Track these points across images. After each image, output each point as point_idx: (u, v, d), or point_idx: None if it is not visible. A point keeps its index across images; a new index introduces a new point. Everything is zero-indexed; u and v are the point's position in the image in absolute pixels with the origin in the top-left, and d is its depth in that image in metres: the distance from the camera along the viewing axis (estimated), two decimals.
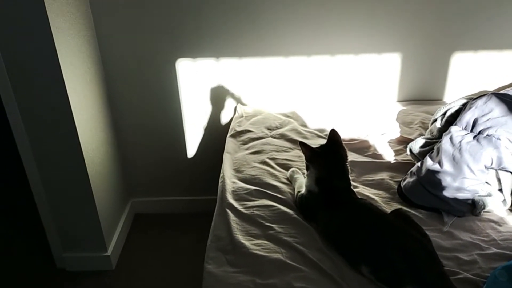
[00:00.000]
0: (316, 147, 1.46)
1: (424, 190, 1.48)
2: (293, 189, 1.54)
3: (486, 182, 1.49)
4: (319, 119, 2.05)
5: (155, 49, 2.12)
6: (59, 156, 1.89)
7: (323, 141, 1.84)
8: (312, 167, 1.42)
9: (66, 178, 1.95)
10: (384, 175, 1.66)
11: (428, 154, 1.58)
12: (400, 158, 1.76)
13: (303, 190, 1.47)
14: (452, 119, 1.67)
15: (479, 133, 1.51)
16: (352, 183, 1.46)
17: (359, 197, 1.43)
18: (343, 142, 1.50)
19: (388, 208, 1.45)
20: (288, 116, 2.10)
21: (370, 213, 1.31)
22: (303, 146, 1.43)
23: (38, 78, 1.72)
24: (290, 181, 1.61)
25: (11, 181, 2.84)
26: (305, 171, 1.52)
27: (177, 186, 2.53)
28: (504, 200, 1.49)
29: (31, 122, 1.81)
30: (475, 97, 1.66)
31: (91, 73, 2.02)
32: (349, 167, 1.44)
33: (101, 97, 2.14)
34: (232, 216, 1.42)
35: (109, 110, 2.24)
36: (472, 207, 1.46)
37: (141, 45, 2.12)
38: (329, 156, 1.43)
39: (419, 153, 1.65)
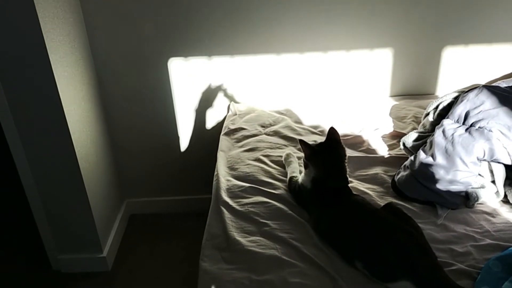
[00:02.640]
0: (315, 145, 1.45)
1: (417, 184, 1.49)
2: (287, 173, 1.57)
3: (479, 174, 1.50)
4: (312, 116, 2.06)
5: (147, 49, 2.12)
6: (52, 158, 1.88)
7: (317, 137, 1.86)
8: (311, 165, 1.42)
9: (60, 180, 1.94)
10: (378, 170, 1.66)
11: (421, 148, 1.59)
12: (394, 152, 1.76)
13: (298, 177, 1.49)
14: (444, 112, 1.68)
15: (471, 125, 1.52)
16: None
17: (355, 193, 1.42)
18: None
19: (383, 202, 1.45)
20: (281, 113, 2.10)
21: (361, 208, 1.32)
22: (303, 145, 1.41)
23: (28, 79, 1.71)
24: (284, 163, 1.63)
25: (4, 184, 2.82)
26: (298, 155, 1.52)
27: (172, 185, 2.53)
28: (497, 191, 1.50)
29: (23, 124, 1.80)
30: (466, 90, 1.67)
31: (83, 74, 2.01)
32: (347, 166, 1.43)
33: (93, 98, 2.13)
34: (227, 214, 1.42)
35: (101, 110, 2.23)
36: (465, 199, 1.47)
37: (133, 45, 2.11)
38: (328, 156, 1.41)
39: (412, 147, 1.66)
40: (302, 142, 1.41)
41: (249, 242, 1.29)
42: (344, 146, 1.45)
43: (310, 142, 1.45)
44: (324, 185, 1.39)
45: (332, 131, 1.45)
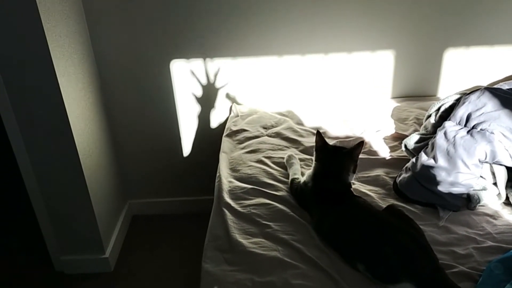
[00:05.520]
0: (330, 144, 1.48)
1: (419, 186, 1.49)
2: (288, 174, 1.58)
3: (481, 176, 1.51)
4: (314, 118, 2.06)
5: (149, 51, 2.13)
6: (55, 159, 1.89)
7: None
8: (316, 156, 1.44)
9: (63, 181, 1.95)
10: (379, 172, 1.66)
11: (423, 150, 1.59)
12: (395, 154, 1.77)
13: (299, 179, 1.50)
14: (446, 114, 1.68)
15: (473, 127, 1.53)
16: None
17: (356, 195, 1.43)
18: (339, 140, 1.47)
19: (384, 204, 1.45)
20: (283, 115, 2.11)
21: (363, 210, 1.32)
22: (318, 135, 1.44)
23: (32, 83, 1.71)
24: (286, 165, 1.64)
25: (7, 185, 2.83)
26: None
27: (174, 187, 2.53)
28: (499, 193, 1.50)
29: (26, 126, 1.81)
30: (468, 92, 1.67)
31: (86, 76, 2.02)
32: (351, 175, 1.42)
33: (96, 99, 2.14)
34: (229, 215, 1.42)
35: (104, 112, 2.24)
36: (467, 202, 1.47)
37: (135, 47, 2.12)
38: (336, 157, 1.42)
39: (414, 149, 1.66)
40: (318, 133, 1.45)
41: (251, 244, 1.30)
42: (357, 160, 1.42)
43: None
44: (321, 183, 1.40)
45: (359, 144, 1.41)
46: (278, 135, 1.92)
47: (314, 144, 1.46)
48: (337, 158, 1.42)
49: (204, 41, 2.09)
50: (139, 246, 2.38)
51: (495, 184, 1.51)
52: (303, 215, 1.42)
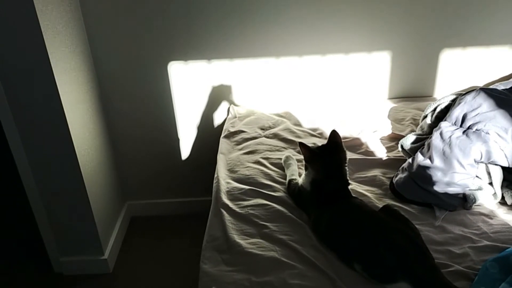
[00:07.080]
0: (315, 148, 1.46)
1: (415, 186, 1.50)
2: (286, 175, 1.59)
3: (477, 176, 1.52)
4: (311, 118, 2.07)
5: (146, 53, 2.13)
6: (53, 161, 1.89)
7: (316, 140, 1.87)
8: (310, 168, 1.43)
9: (61, 183, 1.95)
10: (376, 172, 1.67)
11: (419, 150, 1.60)
12: (392, 154, 1.78)
13: (297, 179, 1.51)
14: (442, 115, 1.69)
15: (468, 128, 1.54)
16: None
17: (353, 195, 1.43)
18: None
19: (381, 204, 1.46)
20: (281, 116, 2.12)
21: (359, 211, 1.33)
22: (303, 147, 1.42)
23: (30, 83, 1.72)
24: (283, 166, 1.65)
25: (6, 187, 2.83)
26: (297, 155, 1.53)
27: (172, 188, 2.54)
28: (495, 193, 1.51)
29: (25, 128, 1.81)
30: (464, 93, 1.69)
31: (84, 78, 2.03)
32: (347, 169, 1.44)
33: (94, 101, 2.15)
34: (227, 216, 1.43)
35: (102, 113, 2.25)
36: (463, 201, 1.48)
37: (133, 49, 2.12)
38: (328, 158, 1.42)
39: (410, 149, 1.68)
40: (301, 144, 1.43)
41: (249, 244, 1.31)
42: (345, 149, 1.46)
43: (310, 145, 1.46)
44: (322, 187, 1.40)
45: (334, 134, 1.45)
46: (275, 136, 1.93)
47: (307, 153, 1.43)
48: (331, 158, 1.42)
49: (201, 43, 2.10)
50: (137, 247, 2.39)
51: (490, 184, 1.52)
52: (300, 216, 1.43)
